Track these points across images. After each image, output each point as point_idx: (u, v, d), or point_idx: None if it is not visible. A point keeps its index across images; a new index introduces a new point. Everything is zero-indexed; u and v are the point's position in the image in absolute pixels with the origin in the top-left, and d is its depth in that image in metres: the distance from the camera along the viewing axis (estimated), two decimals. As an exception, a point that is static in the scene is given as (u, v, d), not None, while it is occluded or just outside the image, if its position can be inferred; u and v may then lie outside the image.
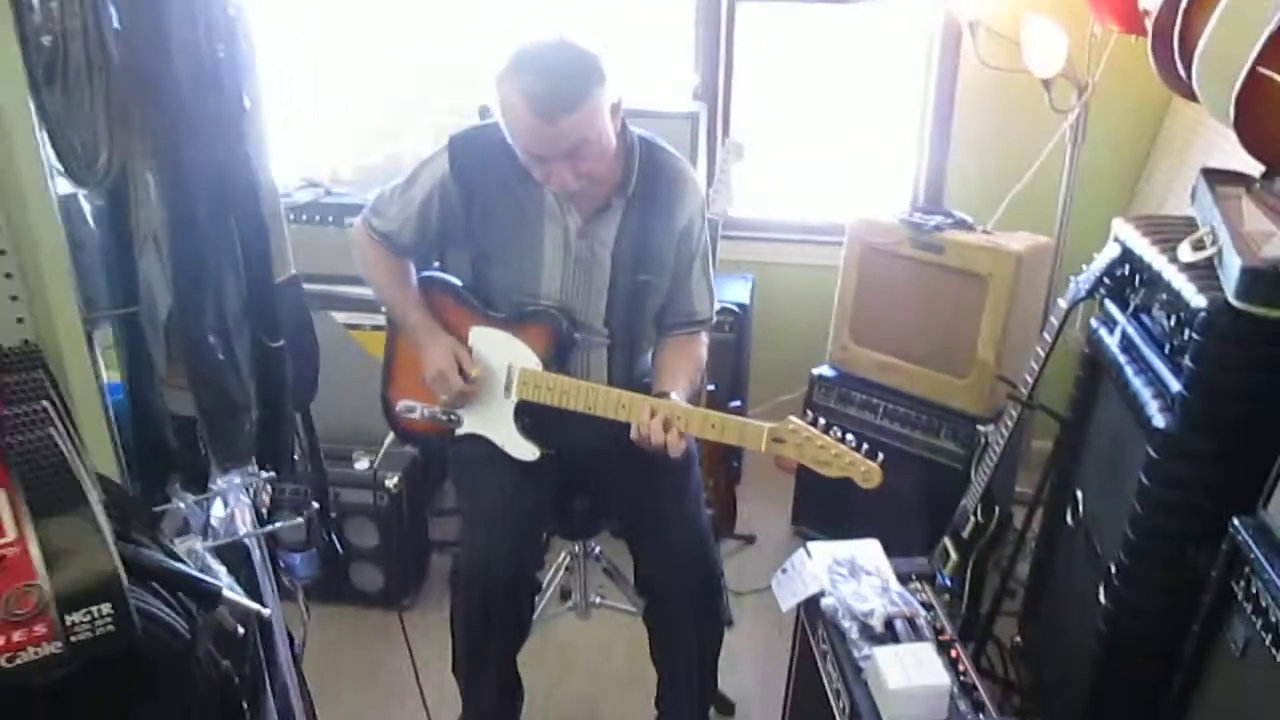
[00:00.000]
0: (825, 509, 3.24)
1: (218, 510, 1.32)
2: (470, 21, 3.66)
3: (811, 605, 2.14)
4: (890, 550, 2.24)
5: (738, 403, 3.38)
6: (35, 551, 0.87)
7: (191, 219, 1.07)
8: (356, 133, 3.79)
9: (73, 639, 0.85)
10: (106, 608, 0.87)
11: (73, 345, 1.04)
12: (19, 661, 0.83)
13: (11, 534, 0.87)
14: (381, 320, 2.97)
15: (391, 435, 2.45)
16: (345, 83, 3.70)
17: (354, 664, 2.85)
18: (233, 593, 1.10)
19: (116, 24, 1.02)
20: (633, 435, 2.03)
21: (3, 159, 0.96)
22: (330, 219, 3.10)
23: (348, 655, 2.88)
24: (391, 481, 2.91)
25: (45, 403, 0.90)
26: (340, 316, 3.14)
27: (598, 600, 2.80)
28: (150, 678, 0.92)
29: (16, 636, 0.84)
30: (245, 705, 1.03)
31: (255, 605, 1.12)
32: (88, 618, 0.86)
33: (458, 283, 2.30)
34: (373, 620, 2.99)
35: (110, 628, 0.86)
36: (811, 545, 2.22)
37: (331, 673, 2.79)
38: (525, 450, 2.20)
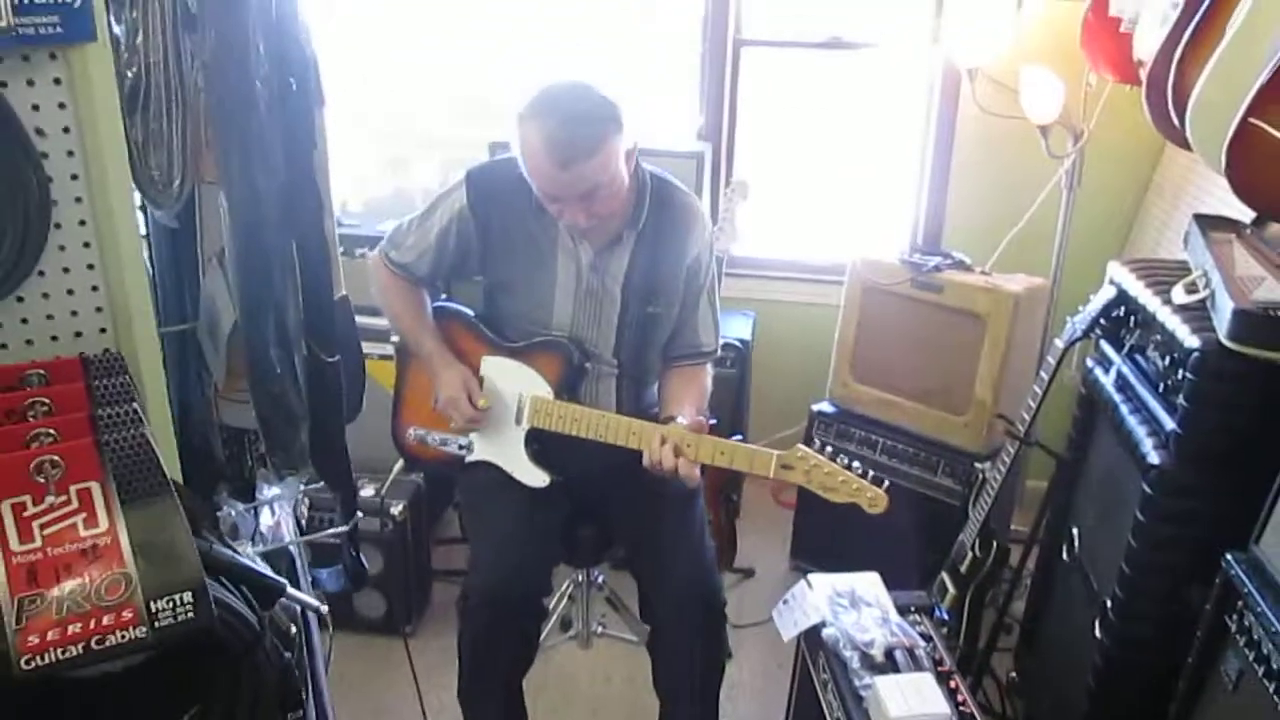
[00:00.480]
0: (824, 544, 3.26)
1: (265, 518, 1.36)
2: (480, 57, 3.73)
3: (812, 635, 2.17)
4: (888, 585, 2.27)
5: (739, 436, 3.41)
6: (125, 542, 0.92)
7: (260, 240, 1.13)
8: (365, 166, 3.85)
9: (157, 625, 0.90)
10: (188, 596, 0.92)
11: (149, 355, 1.09)
12: (107, 644, 0.88)
13: (104, 524, 0.93)
14: (389, 350, 3.01)
15: (400, 463, 2.49)
16: (355, 116, 3.76)
17: (356, 690, 2.86)
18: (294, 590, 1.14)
19: (194, 55, 1.09)
20: (645, 463, 2.07)
21: (97, 184, 1.02)
22: (340, 250, 3.13)
23: (350, 681, 2.89)
24: (397, 509, 2.94)
25: (135, 405, 0.95)
26: (350, 345, 3.17)
27: (599, 629, 2.82)
28: (224, 666, 0.96)
29: (106, 620, 0.89)
30: (303, 696, 1.07)
31: (314, 601, 1.17)
32: (170, 605, 0.91)
33: (470, 313, 2.35)
34: (375, 647, 3.00)
35: (191, 615, 0.91)
36: (812, 577, 2.25)
37: (334, 698, 2.79)
38: (535, 477, 2.24)
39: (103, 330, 1.07)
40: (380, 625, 3.03)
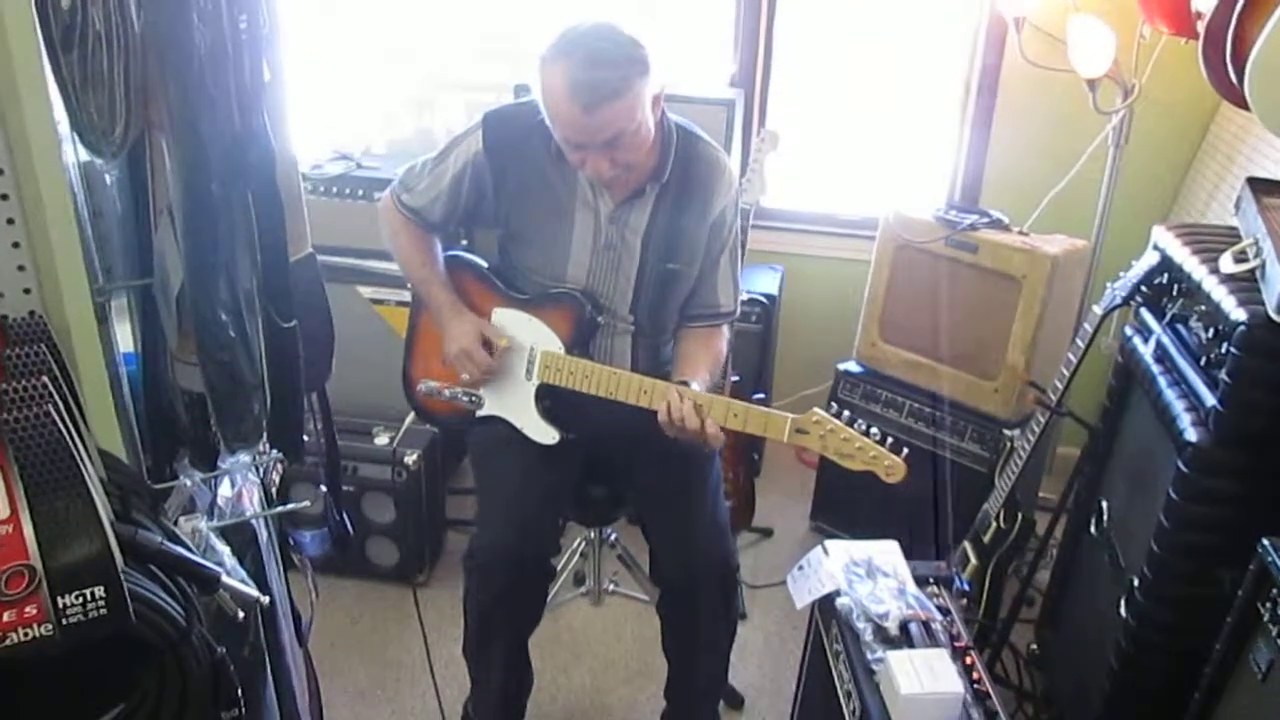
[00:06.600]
0: (845, 506, 3.23)
1: (225, 490, 1.30)
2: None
3: (826, 604, 2.12)
4: (909, 550, 2.21)
5: (761, 395, 3.35)
6: (29, 531, 0.85)
7: (206, 192, 1.04)
8: (389, 106, 3.78)
9: (64, 622, 0.83)
10: (100, 591, 0.85)
11: (81, 317, 1.01)
12: (9, 642, 0.81)
13: (4, 513, 0.86)
14: (407, 296, 2.96)
15: (413, 413, 2.45)
16: (379, 56, 3.69)
17: (366, 639, 2.86)
18: (232, 578, 1.08)
19: (138, -9, 1.01)
20: (661, 419, 1.99)
21: (14, 126, 0.93)
22: (360, 192, 3.09)
23: (360, 630, 2.89)
24: (410, 458, 2.91)
25: (45, 378, 0.88)
26: (366, 291, 3.15)
27: (611, 588, 2.80)
28: (144, 662, 0.90)
29: (7, 617, 0.82)
30: (241, 691, 1.01)
31: (254, 593, 1.10)
32: (80, 600, 0.84)
33: (483, 263, 2.29)
34: (386, 595, 3.00)
35: (103, 611, 0.84)
36: (829, 544, 2.20)
37: (343, 647, 2.80)
38: (544, 434, 2.18)
39: (27, 291, 0.99)
40: (392, 574, 3.02)
